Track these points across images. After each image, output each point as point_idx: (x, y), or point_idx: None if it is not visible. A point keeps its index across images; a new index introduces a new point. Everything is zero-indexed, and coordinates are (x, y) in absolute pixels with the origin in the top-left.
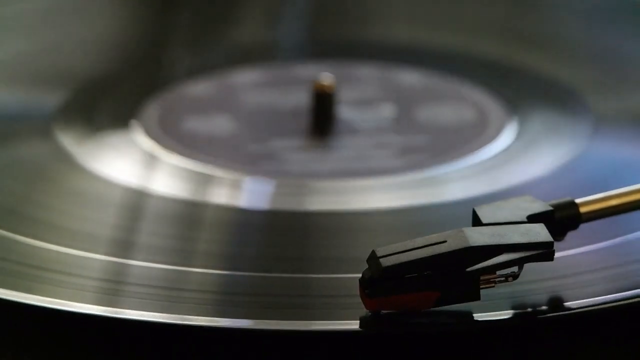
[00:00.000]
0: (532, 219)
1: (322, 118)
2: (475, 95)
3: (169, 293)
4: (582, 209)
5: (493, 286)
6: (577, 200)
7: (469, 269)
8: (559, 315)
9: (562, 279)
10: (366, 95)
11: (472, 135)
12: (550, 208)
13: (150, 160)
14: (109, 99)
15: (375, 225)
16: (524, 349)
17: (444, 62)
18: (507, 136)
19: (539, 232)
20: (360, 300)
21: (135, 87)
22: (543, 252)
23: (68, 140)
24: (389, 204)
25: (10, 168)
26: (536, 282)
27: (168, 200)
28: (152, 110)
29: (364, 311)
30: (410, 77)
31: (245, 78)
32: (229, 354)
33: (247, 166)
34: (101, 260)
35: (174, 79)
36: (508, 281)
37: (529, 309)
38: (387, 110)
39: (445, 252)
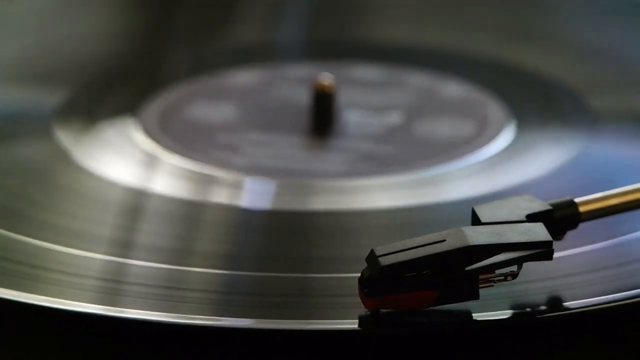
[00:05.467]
0: (532, 218)
1: (322, 118)
2: (475, 95)
3: (169, 292)
4: (581, 209)
5: (492, 285)
6: (576, 200)
7: (468, 268)
8: (558, 315)
9: (561, 278)
10: (366, 95)
11: (472, 135)
12: (550, 207)
13: (150, 160)
14: (108, 99)
15: (375, 225)
16: (523, 349)
17: (443, 61)
18: (506, 136)
19: (538, 232)
20: (359, 300)
21: (134, 87)
22: (542, 251)
23: (67, 140)
24: (388, 203)
25: (9, 167)
26: (535, 281)
27: (168, 200)
28: (152, 109)
29: (363, 310)
30: (409, 77)
31: (244, 78)
32: (229, 353)
33: (247, 166)
34: (101, 260)
35: (173, 78)
36: (507, 280)
37: (528, 309)
38: (386, 110)
39: (444, 251)
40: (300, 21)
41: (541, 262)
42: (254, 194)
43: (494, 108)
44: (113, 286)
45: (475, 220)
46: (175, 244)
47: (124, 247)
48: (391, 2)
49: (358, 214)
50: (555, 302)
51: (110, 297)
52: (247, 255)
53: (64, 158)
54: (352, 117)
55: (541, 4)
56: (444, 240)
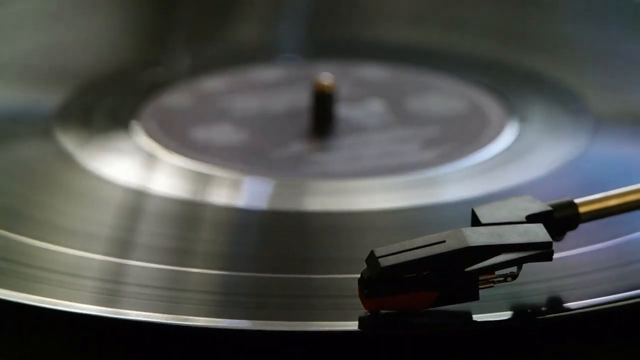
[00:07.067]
0: (531, 219)
1: (322, 118)
2: (475, 95)
3: (168, 293)
4: (581, 209)
5: (492, 286)
6: (576, 201)
7: (467, 269)
8: (557, 316)
9: (561, 279)
10: (367, 95)
11: (473, 136)
12: (549, 208)
13: (150, 160)
14: (109, 99)
15: (375, 225)
16: (523, 350)
17: (444, 62)
18: (507, 136)
19: (538, 232)
20: (359, 301)
21: (135, 87)
22: (542, 252)
23: (68, 140)
24: (389, 204)
25: (9, 168)
26: (535, 282)
27: (167, 200)
28: (152, 109)
29: (362, 311)
30: (410, 77)
31: (244, 77)
32: (228, 354)
33: (246, 166)
34: (100, 261)
35: (174, 78)
36: (507, 281)
37: (528, 310)
38: (387, 111)
39: (444, 252)
40: (300, 21)
41: (541, 263)
42: (252, 194)
43: (494, 108)
44: (112, 287)
45: (475, 221)
46: (174, 244)
47: (123, 247)
48: (392, 2)
49: (357, 214)
50: (555, 303)
51: (109, 297)
52: (246, 256)
53: (64, 158)
54: (352, 117)
55: (543, 4)
56: (444, 241)
